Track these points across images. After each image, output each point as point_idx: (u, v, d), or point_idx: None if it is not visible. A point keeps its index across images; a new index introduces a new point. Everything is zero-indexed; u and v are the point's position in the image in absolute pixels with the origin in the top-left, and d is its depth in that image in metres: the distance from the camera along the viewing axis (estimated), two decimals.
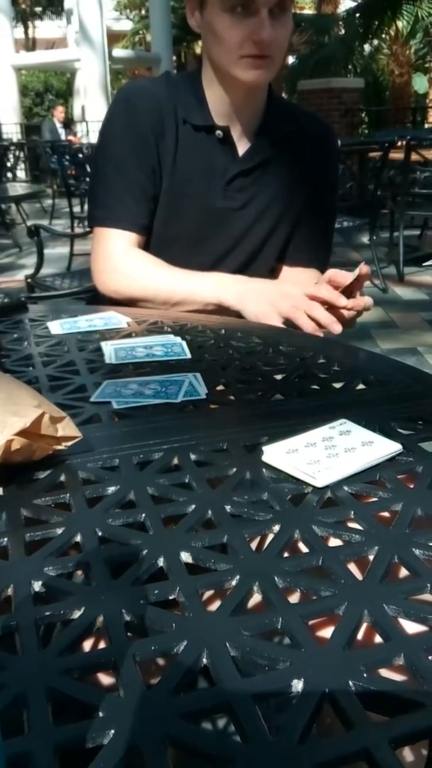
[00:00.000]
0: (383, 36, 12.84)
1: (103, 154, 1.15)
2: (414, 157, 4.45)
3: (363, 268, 0.95)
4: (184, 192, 1.13)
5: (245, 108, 1.13)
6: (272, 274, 1.24)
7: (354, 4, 12.31)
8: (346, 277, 0.97)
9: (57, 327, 0.97)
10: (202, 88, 1.13)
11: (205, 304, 1.08)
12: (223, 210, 1.14)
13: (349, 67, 12.06)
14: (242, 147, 1.15)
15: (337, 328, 0.95)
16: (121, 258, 1.13)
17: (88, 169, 6.14)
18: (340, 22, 12.89)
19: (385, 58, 14.55)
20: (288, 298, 1.00)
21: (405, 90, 13.76)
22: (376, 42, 13.69)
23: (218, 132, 1.12)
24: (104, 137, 1.15)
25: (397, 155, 4.56)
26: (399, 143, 4.65)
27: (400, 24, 12.14)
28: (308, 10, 18.02)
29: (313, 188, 1.19)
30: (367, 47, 13.52)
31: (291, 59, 12.04)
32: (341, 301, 0.95)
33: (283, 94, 10.24)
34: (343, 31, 12.48)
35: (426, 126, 9.42)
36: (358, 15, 11.31)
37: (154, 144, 1.11)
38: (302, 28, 12.03)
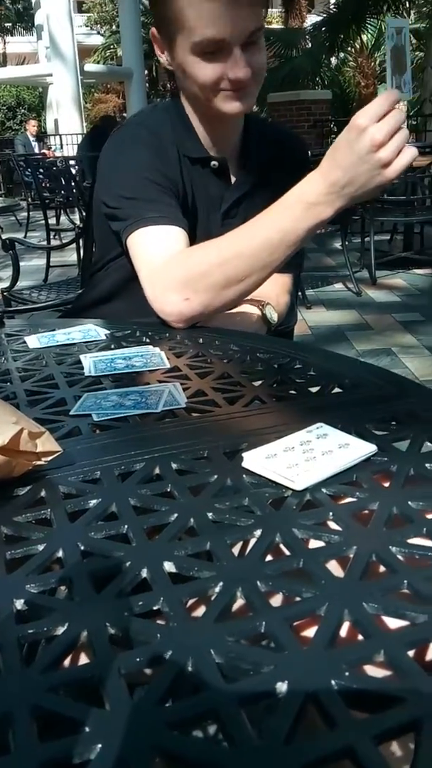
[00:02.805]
0: (349, 49, 13.06)
1: (137, 176, 1.05)
2: None
3: None
4: (190, 227, 1.09)
5: (230, 135, 1.12)
6: None
7: (320, 18, 12.52)
8: None
9: (34, 341, 0.97)
10: (189, 119, 1.10)
11: (306, 235, 0.92)
12: None
13: (317, 79, 12.24)
14: (232, 174, 1.14)
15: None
16: (184, 253, 0.99)
17: (63, 181, 6.15)
18: (307, 36, 13.11)
19: (351, 70, 14.80)
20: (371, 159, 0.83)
21: (371, 100, 13.99)
22: (342, 55, 13.92)
23: (213, 163, 1.10)
24: (133, 163, 1.06)
25: None
26: None
27: (364, 37, 12.40)
28: (276, 25, 18.26)
29: None
30: (333, 60, 13.74)
31: None
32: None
33: (254, 107, 10.38)
34: (309, 45, 12.68)
35: None
36: (324, 29, 11.51)
37: (177, 178, 1.08)
38: (270, 42, 12.20)
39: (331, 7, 12.17)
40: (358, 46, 13.17)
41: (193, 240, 1.06)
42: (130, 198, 1.05)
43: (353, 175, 0.84)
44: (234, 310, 1.10)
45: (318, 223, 0.90)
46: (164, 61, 1.06)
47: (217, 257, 0.95)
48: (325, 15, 12.10)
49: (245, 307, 1.11)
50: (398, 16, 11.63)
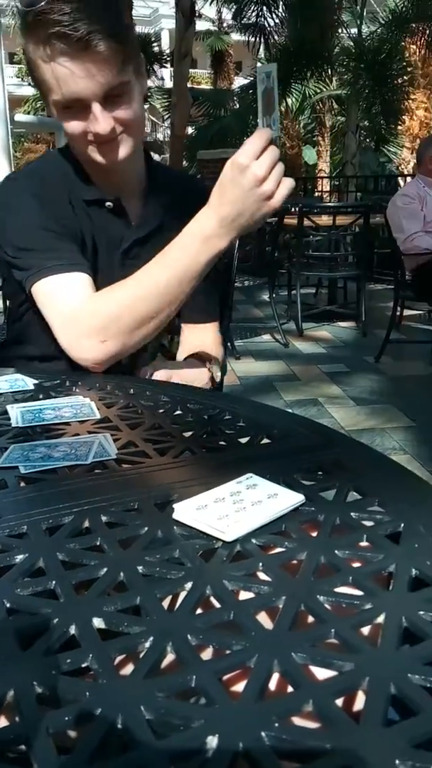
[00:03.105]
0: None
1: (32, 227, 1.07)
2: (306, 222, 4.75)
3: None
4: (92, 268, 1.11)
5: (124, 177, 1.14)
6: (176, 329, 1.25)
7: (247, 81, 13.12)
8: None
9: None
10: (81, 163, 1.13)
11: (205, 267, 0.98)
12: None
13: (245, 138, 12.75)
14: (133, 214, 1.16)
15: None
16: (92, 299, 1.03)
17: None
18: (235, 97, 13.72)
19: None
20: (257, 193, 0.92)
21: (296, 161, 14.76)
22: None
23: (108, 204, 1.13)
24: (25, 214, 1.08)
25: (290, 221, 4.85)
26: (292, 210, 4.95)
27: (289, 101, 13.05)
28: (205, 85, 19.05)
29: None
30: None
31: (190, 130, 12.64)
32: None
33: (184, 163, 10.66)
34: (237, 106, 13.27)
35: (315, 195, 10.07)
36: (251, 91, 12.04)
37: (73, 221, 1.10)
38: (200, 102, 12.71)
39: None
40: (283, 109, 13.88)
41: (96, 280, 1.08)
42: (27, 249, 1.08)
43: (241, 208, 0.93)
44: (185, 372, 1.11)
45: (215, 255, 0.98)
46: (48, 111, 1.10)
47: (126, 300, 1.00)
48: (252, 78, 12.67)
49: (196, 370, 1.13)
50: (321, 82, 12.35)
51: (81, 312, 1.02)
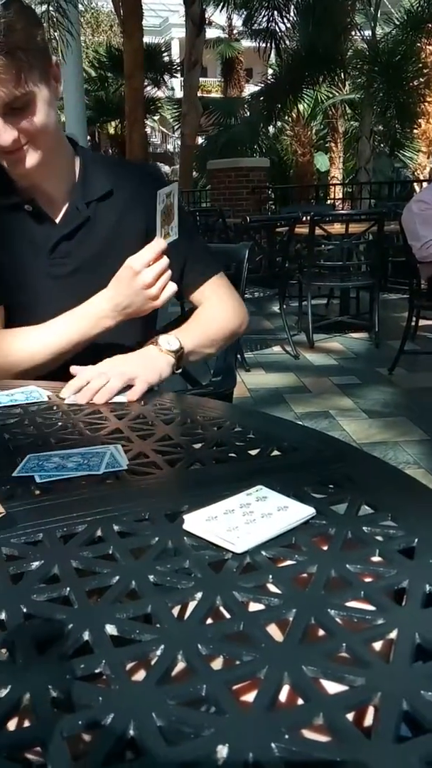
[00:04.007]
0: (286, 118, 13.69)
1: None
2: (318, 231, 4.72)
3: None
4: (16, 277, 1.15)
5: (43, 179, 1.15)
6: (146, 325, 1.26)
7: (257, 88, 13.05)
8: None
9: None
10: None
11: (94, 338, 1.12)
12: (55, 278, 1.16)
13: (255, 147, 12.70)
14: (57, 212, 1.18)
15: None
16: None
17: None
18: (245, 105, 13.69)
19: (288, 138, 15.49)
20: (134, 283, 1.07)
21: (308, 168, 14.73)
22: (279, 124, 14.51)
23: (27, 206, 1.15)
24: None
25: (302, 230, 4.82)
26: (303, 219, 4.93)
27: (301, 107, 13.00)
28: (215, 94, 19.11)
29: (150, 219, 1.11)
30: (271, 129, 14.31)
31: (200, 140, 12.62)
32: None
33: (194, 173, 10.55)
34: (248, 114, 13.24)
35: (328, 202, 10.01)
36: (261, 98, 11.99)
37: None
38: (210, 111, 12.71)
39: (269, 77, 12.64)
40: (294, 116, 13.84)
41: (25, 282, 1.16)
42: None
43: (130, 302, 1.10)
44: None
45: (103, 331, 1.12)
46: None
47: (22, 350, 1.12)
48: (262, 85, 12.52)
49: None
50: (333, 87, 12.21)
51: None
